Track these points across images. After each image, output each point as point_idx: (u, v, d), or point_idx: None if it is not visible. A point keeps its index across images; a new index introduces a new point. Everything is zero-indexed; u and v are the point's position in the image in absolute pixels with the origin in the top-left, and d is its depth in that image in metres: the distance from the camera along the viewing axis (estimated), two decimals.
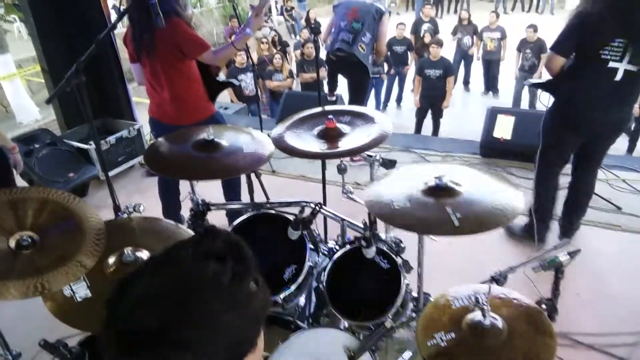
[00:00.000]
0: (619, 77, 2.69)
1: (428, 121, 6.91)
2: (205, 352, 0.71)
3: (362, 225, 1.97)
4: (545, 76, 3.07)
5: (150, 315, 0.70)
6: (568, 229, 3.28)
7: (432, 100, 6.66)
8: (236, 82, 3.38)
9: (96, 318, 1.57)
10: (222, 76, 3.30)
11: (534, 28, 7.49)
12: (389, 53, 7.54)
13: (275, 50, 8.27)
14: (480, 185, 1.76)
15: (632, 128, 6.37)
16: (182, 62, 2.88)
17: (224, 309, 0.73)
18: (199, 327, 0.71)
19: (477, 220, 1.59)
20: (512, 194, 1.69)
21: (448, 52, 9.03)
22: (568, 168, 3.22)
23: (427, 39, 7.95)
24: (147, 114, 3.16)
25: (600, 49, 2.68)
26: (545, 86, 3.12)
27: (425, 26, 8.83)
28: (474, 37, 8.77)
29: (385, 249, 1.99)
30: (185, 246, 0.78)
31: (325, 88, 5.33)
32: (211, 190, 3.14)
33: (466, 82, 9.39)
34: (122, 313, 0.72)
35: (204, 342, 0.71)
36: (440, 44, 6.72)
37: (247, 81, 6.93)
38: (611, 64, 2.68)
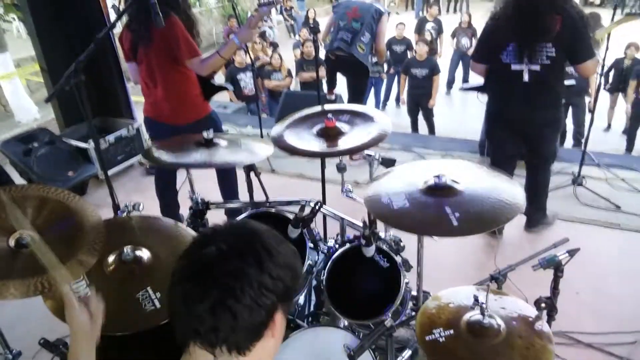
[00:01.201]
0: (526, 78, 2.87)
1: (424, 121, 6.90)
2: (279, 259, 0.91)
3: (361, 224, 1.96)
4: None
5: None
6: (529, 219, 3.38)
7: (418, 99, 6.65)
8: (230, 87, 3.38)
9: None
10: (218, 79, 3.28)
11: None
12: (388, 53, 7.53)
13: (270, 50, 8.27)
14: (479, 183, 1.75)
15: (629, 127, 6.38)
16: (177, 61, 2.87)
17: (286, 245, 0.98)
18: (273, 243, 0.94)
19: (476, 220, 1.58)
20: (512, 191, 1.69)
21: (447, 52, 9.07)
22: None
23: (428, 38, 7.95)
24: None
25: (499, 54, 2.92)
26: (475, 89, 3.34)
27: (429, 25, 8.82)
28: (472, 39, 8.76)
29: (384, 247, 1.99)
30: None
31: (325, 87, 5.33)
32: (210, 189, 3.15)
33: (465, 82, 9.37)
34: (206, 246, 0.90)
35: (278, 251, 0.93)
36: (426, 42, 6.70)
37: (246, 80, 6.92)
38: (514, 67, 2.89)
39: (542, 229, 3.38)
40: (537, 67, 2.83)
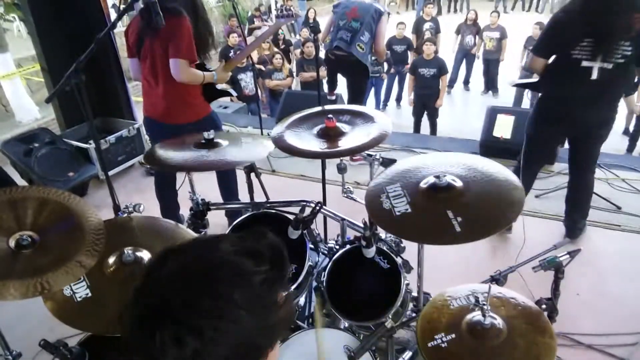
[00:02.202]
0: (594, 75, 2.78)
1: (427, 121, 6.90)
2: (213, 343, 0.70)
3: (362, 225, 1.96)
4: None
5: (175, 290, 0.72)
6: (572, 229, 3.30)
7: (426, 99, 6.65)
8: (234, 93, 3.38)
9: (96, 318, 1.57)
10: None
11: (541, 25, 7.42)
12: (388, 52, 7.54)
13: (275, 50, 8.25)
14: (481, 181, 1.74)
15: (632, 127, 6.37)
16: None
17: (245, 307, 0.73)
18: (215, 314, 0.71)
19: (479, 224, 1.57)
20: (513, 188, 1.67)
21: (448, 51, 9.06)
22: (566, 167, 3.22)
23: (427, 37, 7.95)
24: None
25: (571, 49, 2.80)
26: (529, 86, 3.21)
27: (427, 25, 8.84)
28: (476, 36, 8.77)
29: (385, 248, 1.99)
30: (228, 238, 0.81)
31: (325, 87, 5.33)
32: (211, 190, 3.15)
33: (466, 82, 9.39)
34: (151, 287, 0.75)
35: (216, 332, 0.71)
36: (434, 42, 6.71)
37: (246, 80, 6.92)
38: (584, 63, 2.79)
39: (581, 238, 3.32)
40: (609, 66, 2.74)
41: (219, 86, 3.17)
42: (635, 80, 6.12)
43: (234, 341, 0.72)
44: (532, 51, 3.10)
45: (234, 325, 0.72)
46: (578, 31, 2.77)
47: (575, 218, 3.28)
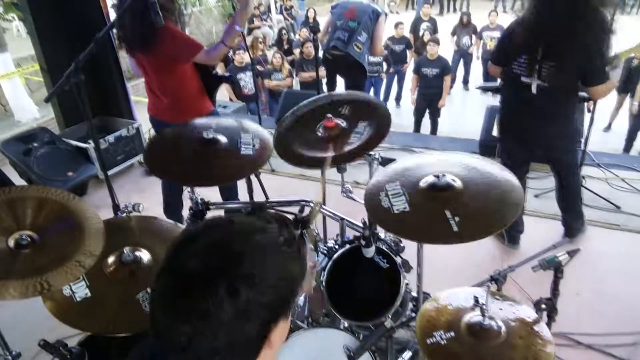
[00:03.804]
0: (534, 90, 2.80)
1: (427, 120, 6.91)
2: (260, 287, 0.79)
3: (361, 225, 1.96)
4: None
5: (213, 252, 0.81)
6: (569, 229, 3.31)
7: (429, 98, 6.65)
8: (234, 79, 3.36)
9: (96, 318, 1.57)
10: (219, 71, 3.28)
11: None
12: (387, 52, 7.54)
13: (274, 50, 8.25)
14: (480, 182, 1.74)
15: (631, 126, 6.36)
16: (174, 65, 2.87)
17: (271, 252, 0.84)
18: (255, 261, 0.80)
19: (477, 224, 1.57)
20: (511, 191, 1.68)
21: (447, 51, 9.06)
22: None
23: (426, 37, 7.96)
24: (147, 113, 3.16)
25: (511, 63, 2.86)
26: (492, 90, 3.27)
27: (424, 25, 8.85)
28: (473, 37, 8.77)
29: (384, 248, 1.99)
30: (235, 215, 0.94)
31: (325, 88, 5.33)
32: (210, 189, 3.14)
33: (465, 81, 9.38)
34: (187, 258, 0.81)
35: (258, 276, 0.79)
36: (437, 42, 6.72)
37: (246, 80, 6.91)
38: (523, 79, 2.82)
39: (580, 238, 3.32)
40: (545, 84, 2.74)
41: (218, 72, 3.18)
42: None
43: (272, 283, 0.81)
44: (490, 58, 3.20)
45: (269, 269, 0.81)
46: (516, 47, 2.80)
47: (568, 219, 3.29)
